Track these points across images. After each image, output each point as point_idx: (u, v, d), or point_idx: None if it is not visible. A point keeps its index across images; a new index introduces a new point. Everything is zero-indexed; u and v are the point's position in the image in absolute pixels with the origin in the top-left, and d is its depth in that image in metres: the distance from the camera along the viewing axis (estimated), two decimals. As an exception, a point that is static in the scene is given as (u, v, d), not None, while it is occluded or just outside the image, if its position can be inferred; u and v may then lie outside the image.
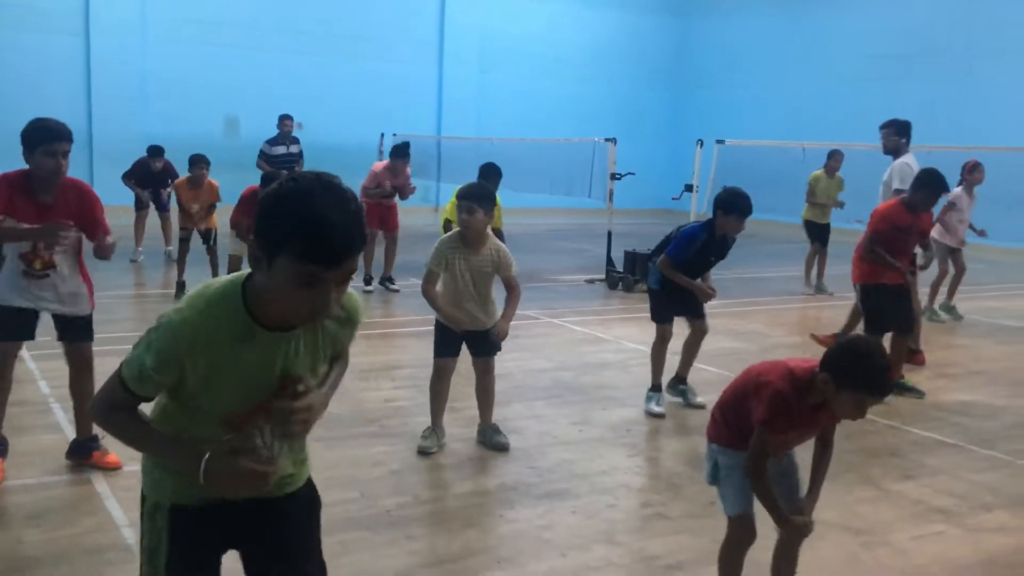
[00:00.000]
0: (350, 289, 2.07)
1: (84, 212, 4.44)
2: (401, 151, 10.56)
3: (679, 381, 6.37)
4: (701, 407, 6.11)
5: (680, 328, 6.31)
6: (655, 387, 6.20)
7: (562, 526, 4.24)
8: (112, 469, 4.61)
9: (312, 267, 1.78)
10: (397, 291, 10.42)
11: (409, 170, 10.78)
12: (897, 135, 8.10)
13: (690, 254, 5.98)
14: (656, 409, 6.07)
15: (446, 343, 5.22)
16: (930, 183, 6.38)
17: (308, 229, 1.76)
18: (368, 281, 10.44)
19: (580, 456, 5.23)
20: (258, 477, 1.99)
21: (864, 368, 2.88)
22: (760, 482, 3.07)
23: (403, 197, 10.75)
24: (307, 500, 2.28)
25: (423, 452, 5.11)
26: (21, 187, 4.33)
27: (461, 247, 5.07)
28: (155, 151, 11.90)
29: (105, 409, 2.05)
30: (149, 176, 11.91)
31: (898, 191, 7.53)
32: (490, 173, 8.69)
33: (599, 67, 22.93)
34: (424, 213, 18.30)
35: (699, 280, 6.11)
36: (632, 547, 4.05)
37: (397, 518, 4.26)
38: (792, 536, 3.27)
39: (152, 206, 12.15)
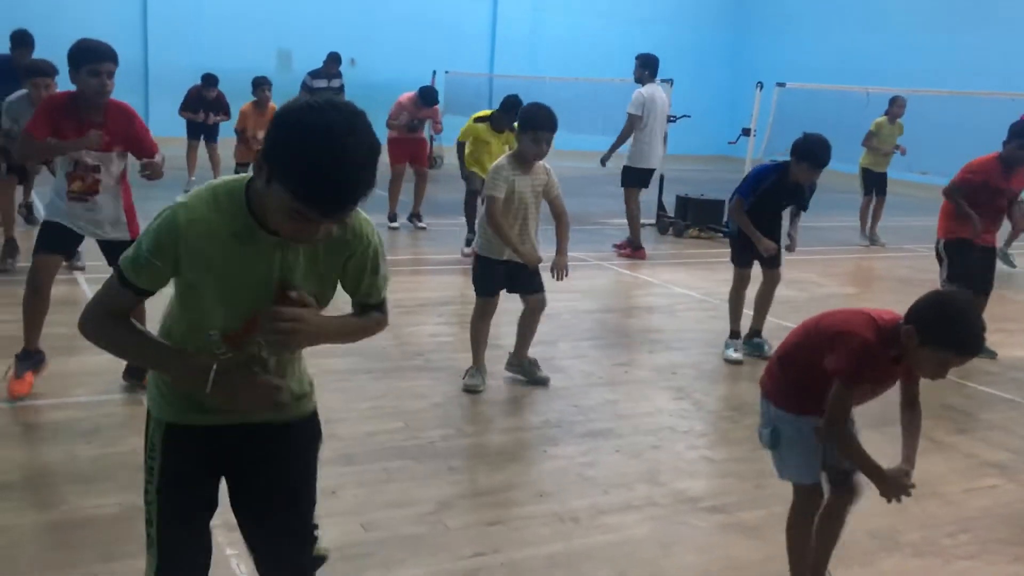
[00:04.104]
0: (358, 210, 1.94)
1: (132, 134, 4.44)
2: (428, 97, 10.18)
3: (754, 334, 6.16)
4: None
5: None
6: (733, 333, 6.05)
7: (605, 464, 4.23)
8: None
9: (307, 210, 1.72)
10: (424, 228, 10.30)
11: (438, 108, 10.64)
12: (642, 67, 9.46)
13: (758, 192, 5.83)
14: (734, 356, 5.92)
15: (492, 280, 5.09)
16: (1020, 133, 5.97)
17: (313, 175, 1.67)
18: (393, 219, 10.25)
19: (624, 397, 5.20)
20: (269, 391, 1.96)
21: (954, 325, 2.62)
22: (845, 441, 2.82)
23: (435, 130, 10.96)
24: (308, 431, 2.19)
25: (471, 391, 5.05)
26: (67, 109, 4.33)
27: (517, 168, 4.91)
28: (209, 80, 11.91)
29: (98, 316, 1.97)
30: (201, 104, 11.95)
31: (630, 115, 9.27)
32: (513, 106, 8.21)
33: (657, 7, 22.33)
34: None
35: (787, 228, 6.10)
36: (675, 487, 4.02)
37: (440, 449, 4.27)
38: (888, 495, 2.89)
39: (202, 138, 12.15)
